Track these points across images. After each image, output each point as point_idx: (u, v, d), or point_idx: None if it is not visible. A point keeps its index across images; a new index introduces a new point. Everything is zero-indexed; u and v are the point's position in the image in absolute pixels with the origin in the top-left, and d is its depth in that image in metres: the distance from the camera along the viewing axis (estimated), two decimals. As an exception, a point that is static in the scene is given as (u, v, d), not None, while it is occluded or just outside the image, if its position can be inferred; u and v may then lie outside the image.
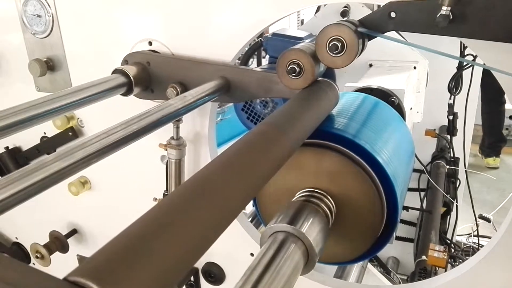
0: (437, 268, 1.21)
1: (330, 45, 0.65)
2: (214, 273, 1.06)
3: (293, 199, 0.63)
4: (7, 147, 1.22)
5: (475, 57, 1.61)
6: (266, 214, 0.70)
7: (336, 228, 0.63)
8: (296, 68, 0.68)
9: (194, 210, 0.38)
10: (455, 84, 1.82)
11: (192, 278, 1.10)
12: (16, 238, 1.36)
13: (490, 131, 3.82)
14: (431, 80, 1.69)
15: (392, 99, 1.10)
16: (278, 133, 0.53)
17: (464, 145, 1.90)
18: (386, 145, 0.67)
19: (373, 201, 0.61)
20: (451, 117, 1.87)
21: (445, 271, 1.16)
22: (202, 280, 1.09)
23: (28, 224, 1.31)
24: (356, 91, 1.11)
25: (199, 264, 1.08)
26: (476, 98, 1.99)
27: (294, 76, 0.68)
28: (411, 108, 1.34)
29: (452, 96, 1.85)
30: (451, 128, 1.88)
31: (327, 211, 0.61)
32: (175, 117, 0.67)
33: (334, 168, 0.62)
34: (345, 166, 0.62)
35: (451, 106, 1.87)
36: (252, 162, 0.46)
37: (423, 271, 1.25)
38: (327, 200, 0.62)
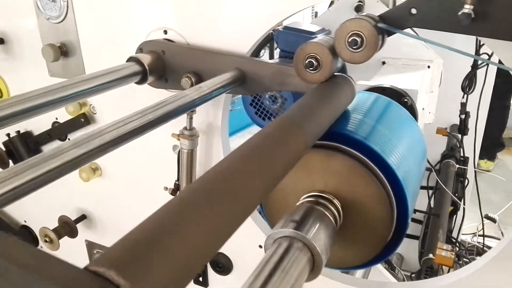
0: (442, 267, 1.20)
1: (349, 40, 0.64)
2: (222, 263, 1.06)
3: (300, 202, 0.61)
4: (18, 131, 1.23)
5: (490, 55, 1.59)
6: (271, 214, 0.69)
7: (343, 233, 0.61)
8: (314, 62, 0.67)
9: (213, 204, 0.38)
10: (468, 83, 1.80)
11: (199, 268, 1.11)
12: (25, 221, 1.38)
13: (488, 134, 3.70)
14: (444, 79, 1.67)
15: (405, 100, 1.07)
16: (296, 128, 0.52)
17: (474, 144, 1.89)
18: (398, 148, 0.65)
19: (382, 205, 0.59)
20: (463, 116, 1.85)
21: (449, 270, 1.16)
22: (210, 270, 1.10)
23: (37, 208, 1.32)
24: (368, 89, 1.09)
25: (207, 254, 1.09)
26: (489, 98, 1.97)
27: (311, 70, 0.68)
28: (423, 109, 1.31)
29: (465, 95, 1.83)
30: (462, 127, 1.86)
31: (335, 215, 0.59)
32: (190, 107, 0.67)
33: (343, 171, 0.60)
34: (354, 169, 0.60)
35: (463, 105, 1.85)
36: (270, 157, 0.46)
37: (430, 270, 1.24)
38: (334, 204, 0.60)
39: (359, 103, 0.76)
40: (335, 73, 0.72)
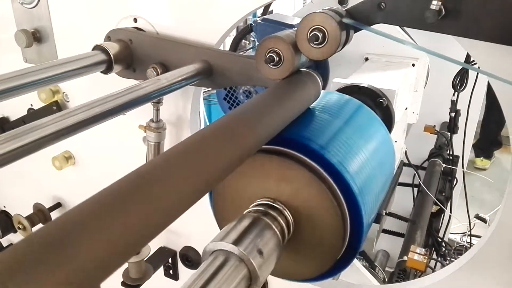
0: (416, 270, 1.18)
1: (310, 35, 0.61)
2: (191, 258, 1.05)
3: (248, 210, 0.58)
4: (-5, 117, 1.22)
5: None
6: (221, 218, 0.66)
7: (293, 245, 0.58)
8: (275, 57, 0.64)
9: (132, 203, 0.36)
10: (460, 81, 1.76)
11: (170, 260, 1.10)
12: (4, 206, 1.37)
13: (486, 133, 3.65)
14: (435, 75, 1.63)
15: (381, 100, 1.01)
16: (243, 126, 0.50)
17: (464, 144, 1.85)
18: (360, 155, 0.62)
19: (334, 220, 0.56)
20: (453, 114, 1.82)
21: (423, 274, 1.13)
22: (180, 264, 1.09)
23: (14, 195, 1.31)
24: (343, 88, 1.04)
25: (177, 247, 1.08)
26: (481, 97, 1.93)
27: (272, 65, 0.65)
28: (406, 108, 1.26)
29: (456, 93, 1.80)
30: (452, 126, 1.83)
31: (283, 226, 0.55)
32: (146, 100, 0.64)
33: (298, 181, 0.57)
34: (309, 180, 0.56)
35: (454, 103, 1.81)
36: (206, 157, 0.44)
37: (402, 272, 1.22)
38: (285, 214, 0.57)
39: (327, 104, 0.72)
40: (301, 69, 0.70)
